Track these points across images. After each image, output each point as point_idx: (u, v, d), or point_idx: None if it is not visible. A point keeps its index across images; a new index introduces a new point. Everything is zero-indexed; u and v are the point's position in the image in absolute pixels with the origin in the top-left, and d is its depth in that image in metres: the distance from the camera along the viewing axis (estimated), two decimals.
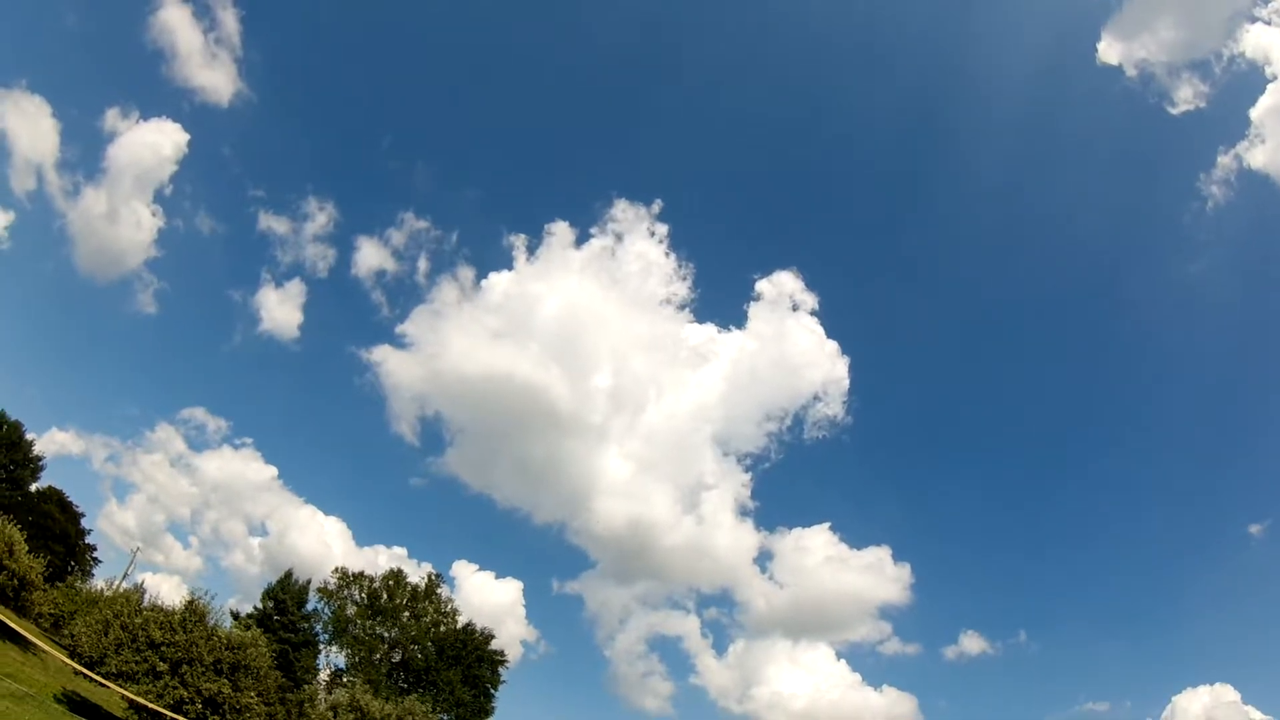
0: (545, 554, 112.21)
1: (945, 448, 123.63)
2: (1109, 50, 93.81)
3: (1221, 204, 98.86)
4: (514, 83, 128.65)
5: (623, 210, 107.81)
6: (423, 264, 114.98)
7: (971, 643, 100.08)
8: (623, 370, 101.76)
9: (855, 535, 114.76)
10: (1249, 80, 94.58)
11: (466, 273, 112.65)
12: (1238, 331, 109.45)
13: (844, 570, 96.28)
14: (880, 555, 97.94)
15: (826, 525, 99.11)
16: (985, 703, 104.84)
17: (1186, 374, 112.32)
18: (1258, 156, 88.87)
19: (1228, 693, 77.81)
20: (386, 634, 58.65)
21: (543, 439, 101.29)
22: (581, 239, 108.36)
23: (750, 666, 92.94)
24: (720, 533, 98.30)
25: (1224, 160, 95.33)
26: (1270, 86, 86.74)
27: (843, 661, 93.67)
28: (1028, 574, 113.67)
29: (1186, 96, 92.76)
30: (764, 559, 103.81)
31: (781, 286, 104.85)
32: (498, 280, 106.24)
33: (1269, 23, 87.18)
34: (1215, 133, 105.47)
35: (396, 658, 59.46)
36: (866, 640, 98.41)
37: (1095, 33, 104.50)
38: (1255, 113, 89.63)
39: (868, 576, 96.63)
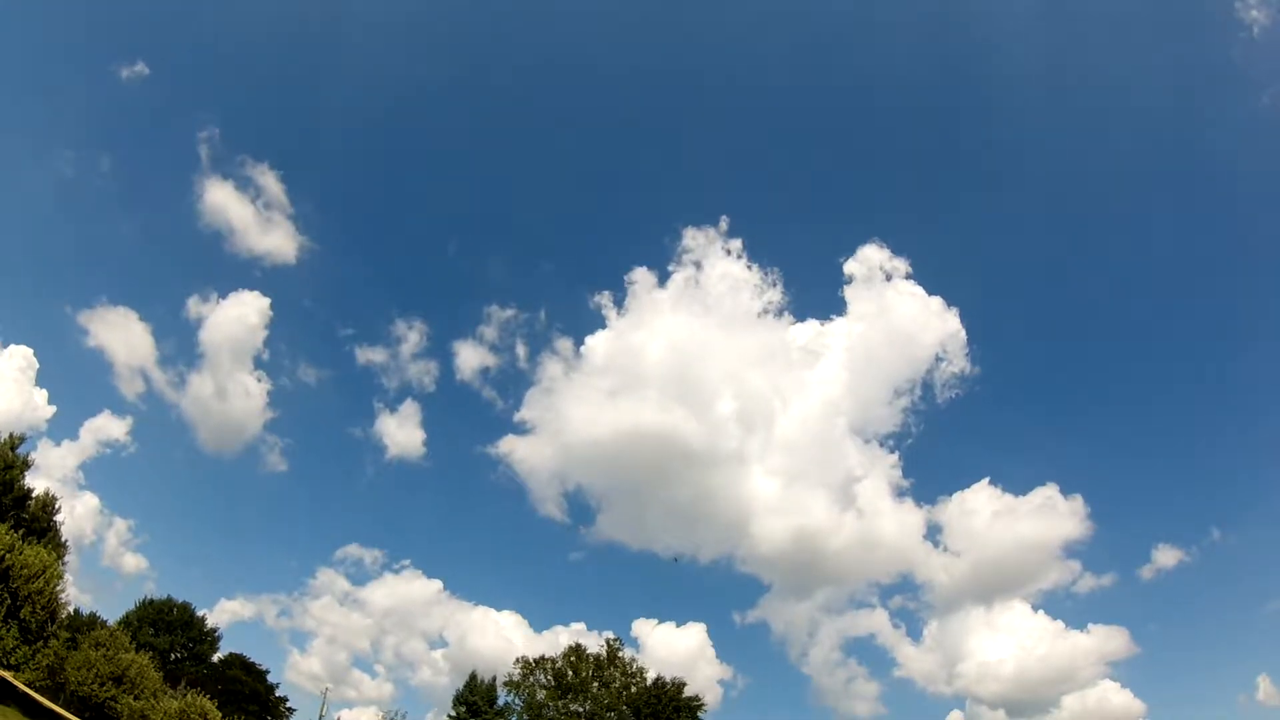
0: (719, 591, 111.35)
1: (1080, 365, 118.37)
2: None
3: (1268, 25, 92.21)
4: (553, 150, 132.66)
5: (693, 238, 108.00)
6: (521, 349, 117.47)
7: (1165, 556, 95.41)
8: (742, 391, 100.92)
9: (1017, 482, 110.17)
10: None
11: (565, 344, 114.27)
12: None
13: (1015, 520, 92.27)
14: (1048, 494, 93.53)
15: (985, 481, 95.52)
16: (1195, 610, 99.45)
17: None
18: None
19: None
20: (580, 709, 58.22)
21: (685, 480, 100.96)
22: (663, 278, 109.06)
23: (949, 644, 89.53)
24: (883, 520, 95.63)
25: None
26: None
27: (1041, 613, 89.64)
28: (1202, 468, 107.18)
29: None
30: (933, 533, 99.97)
31: (869, 261, 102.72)
32: (596, 342, 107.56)
33: None
34: None
35: None
36: (1059, 585, 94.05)
37: None
38: None
39: (1041, 519, 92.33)
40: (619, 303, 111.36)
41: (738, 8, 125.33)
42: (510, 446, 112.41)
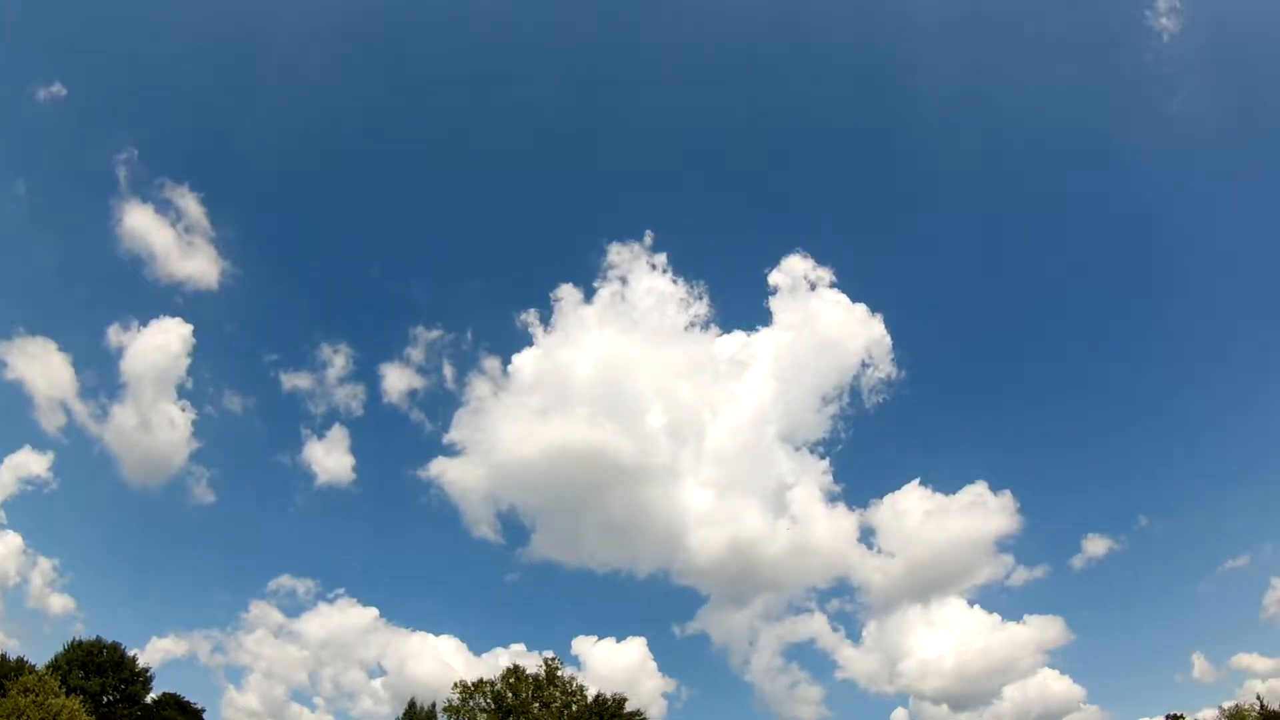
0: (657, 604, 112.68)
1: (1002, 363, 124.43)
2: None
3: (1176, 31, 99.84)
4: (475, 168, 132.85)
5: (618, 253, 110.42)
6: (448, 370, 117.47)
7: (1095, 545, 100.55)
8: (672, 404, 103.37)
9: (946, 481, 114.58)
10: None
11: (492, 363, 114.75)
12: (1240, 148, 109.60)
13: (947, 518, 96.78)
14: (977, 492, 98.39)
15: (916, 482, 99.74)
16: (1126, 594, 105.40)
17: (1209, 206, 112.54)
18: None
19: None
20: None
21: (619, 495, 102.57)
22: (589, 294, 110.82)
23: (889, 644, 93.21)
24: (816, 526, 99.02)
25: None
26: None
27: (977, 607, 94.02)
28: (1127, 459, 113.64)
29: None
30: (867, 535, 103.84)
31: (794, 271, 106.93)
32: (523, 361, 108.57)
33: None
34: None
35: None
36: (993, 579, 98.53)
37: None
38: None
39: (972, 516, 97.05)
40: (545, 320, 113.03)
41: (658, 24, 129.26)
42: (441, 469, 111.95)
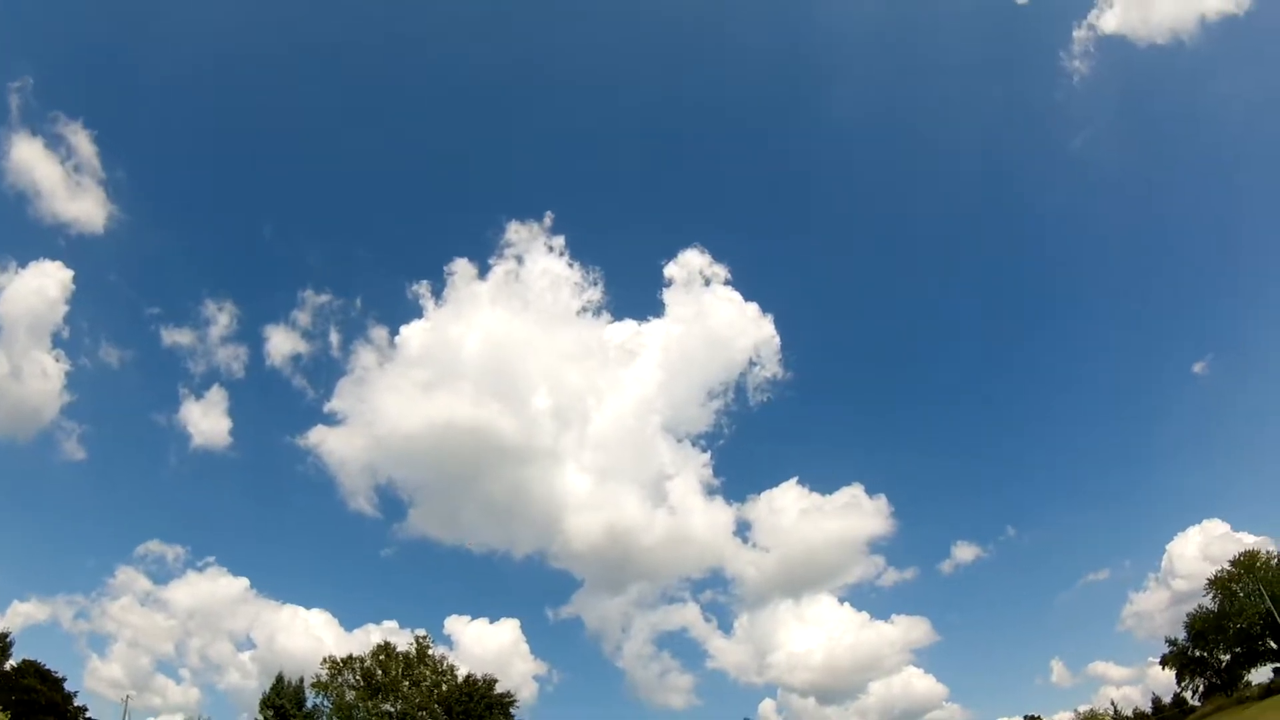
0: (532, 587, 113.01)
1: (885, 372, 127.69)
2: None
3: (1087, 75, 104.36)
4: (377, 136, 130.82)
5: (516, 232, 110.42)
6: (334, 337, 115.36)
7: (964, 552, 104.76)
8: (558, 387, 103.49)
9: (824, 482, 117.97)
10: None
11: (380, 333, 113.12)
12: (1133, 187, 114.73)
13: (822, 518, 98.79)
14: (854, 494, 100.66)
15: (794, 480, 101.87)
16: (992, 601, 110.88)
17: (1093, 243, 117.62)
18: (1110, 21, 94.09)
19: (1218, 526, 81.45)
20: (392, 709, 58.71)
21: (499, 475, 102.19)
22: (484, 270, 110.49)
23: (760, 636, 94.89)
24: (694, 517, 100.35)
25: (1080, 34, 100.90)
26: None
27: (847, 605, 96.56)
28: (998, 472, 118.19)
29: None
30: (743, 530, 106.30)
31: (690, 265, 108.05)
32: (411, 333, 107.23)
33: None
34: (1066, 9, 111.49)
35: None
36: (864, 578, 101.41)
37: None
38: None
39: (847, 517, 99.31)
40: (437, 293, 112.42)
41: (582, 13, 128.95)
42: (320, 438, 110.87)
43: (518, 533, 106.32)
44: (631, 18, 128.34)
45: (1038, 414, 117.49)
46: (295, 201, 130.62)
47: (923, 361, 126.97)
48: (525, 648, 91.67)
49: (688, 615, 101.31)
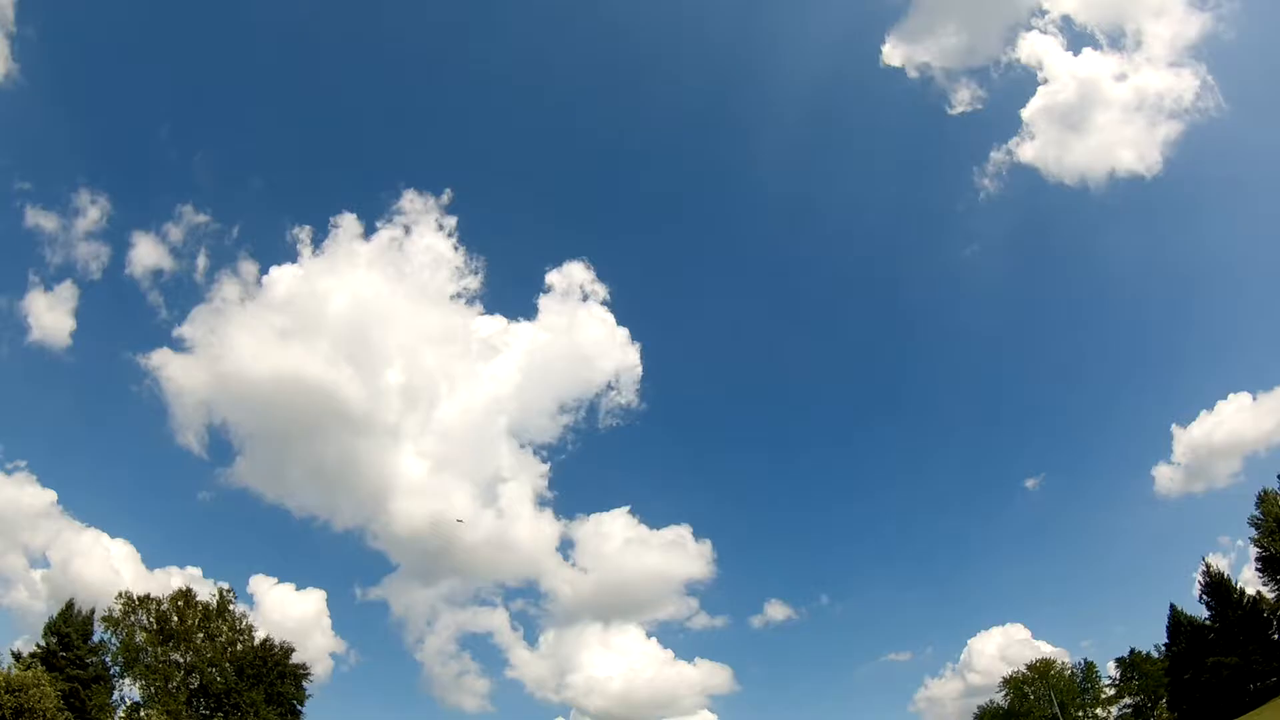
0: (347, 561, 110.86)
1: (736, 427, 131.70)
2: (893, 53, 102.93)
3: (993, 194, 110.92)
4: (298, 69, 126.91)
5: (411, 201, 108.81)
6: (202, 260, 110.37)
7: (776, 610, 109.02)
8: (414, 366, 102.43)
9: (655, 516, 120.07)
10: (1022, 83, 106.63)
11: (249, 268, 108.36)
12: (1007, 306, 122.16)
13: (646, 551, 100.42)
14: (681, 534, 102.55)
15: (626, 509, 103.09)
16: (795, 662, 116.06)
17: (960, 347, 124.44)
18: (1027, 151, 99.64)
19: (1019, 631, 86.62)
20: (181, 659, 57.47)
21: (336, 442, 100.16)
22: (369, 231, 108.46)
23: (563, 654, 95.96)
24: (521, 524, 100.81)
25: (996, 156, 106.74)
26: (1041, 89, 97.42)
27: (653, 640, 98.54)
28: (824, 539, 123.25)
29: (964, 99, 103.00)
30: (566, 547, 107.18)
31: (572, 278, 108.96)
32: (282, 275, 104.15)
33: (1044, 31, 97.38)
34: (990, 131, 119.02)
35: (195, 683, 58.33)
36: (675, 617, 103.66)
37: (881, 36, 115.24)
38: (1026, 113, 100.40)
39: (670, 555, 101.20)
40: (317, 242, 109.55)
41: (532, 8, 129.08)
42: (163, 361, 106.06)
43: (342, 504, 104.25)
44: (586, 31, 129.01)
45: (873, 491, 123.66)
46: (199, 112, 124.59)
47: (774, 423, 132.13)
48: (328, 622, 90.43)
49: (496, 620, 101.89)
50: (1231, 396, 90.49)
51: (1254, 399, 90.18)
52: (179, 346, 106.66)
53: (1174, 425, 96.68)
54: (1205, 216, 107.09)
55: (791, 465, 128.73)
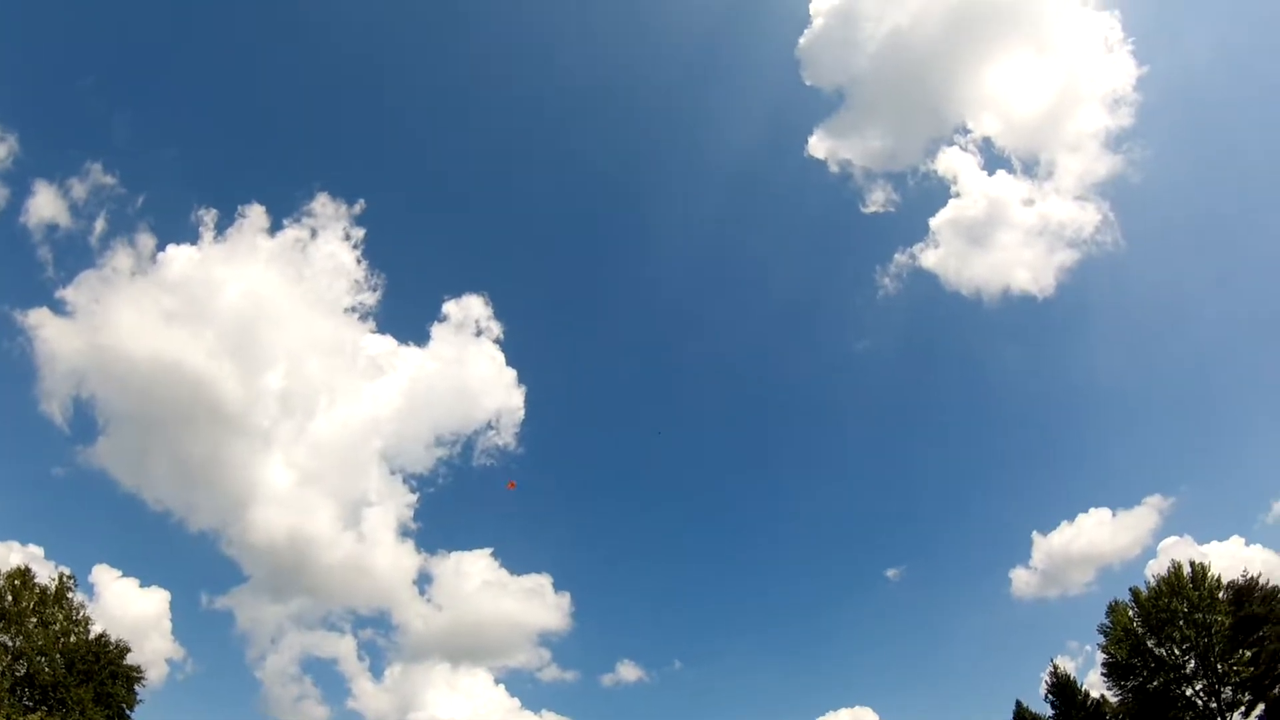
0: (197, 564, 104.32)
1: (610, 487, 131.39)
2: (819, 145, 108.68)
3: (891, 295, 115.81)
4: (238, 50, 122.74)
5: (323, 205, 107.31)
6: (100, 224, 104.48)
7: (628, 671, 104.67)
8: (296, 373, 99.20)
9: (517, 562, 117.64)
10: (936, 194, 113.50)
11: (146, 241, 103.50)
12: (893, 402, 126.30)
13: (504, 596, 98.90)
14: (541, 583, 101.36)
15: (488, 551, 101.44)
16: None
17: (841, 433, 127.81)
18: (930, 258, 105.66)
19: (867, 714, 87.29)
20: (10, 643, 54.59)
21: (205, 438, 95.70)
22: (275, 227, 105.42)
23: (408, 691, 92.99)
24: (380, 552, 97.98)
25: (900, 258, 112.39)
26: (952, 201, 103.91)
27: (501, 687, 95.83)
28: (683, 607, 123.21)
29: (879, 199, 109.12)
30: (423, 581, 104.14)
31: (469, 310, 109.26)
32: (178, 255, 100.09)
33: (964, 149, 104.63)
34: (898, 234, 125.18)
35: (21, 671, 55.29)
36: (526, 666, 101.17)
37: (810, 127, 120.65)
38: (935, 222, 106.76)
39: (528, 603, 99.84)
40: (221, 227, 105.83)
41: (465, 42, 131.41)
42: (40, 321, 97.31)
43: (200, 503, 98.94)
44: (528, 84, 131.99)
45: (737, 561, 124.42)
46: (128, 70, 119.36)
47: (647, 486, 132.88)
48: (168, 625, 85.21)
49: (343, 647, 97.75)
50: (1093, 511, 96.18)
51: (1113, 515, 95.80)
52: (60, 309, 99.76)
53: (1035, 532, 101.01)
54: (1088, 341, 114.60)
55: (659, 529, 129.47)
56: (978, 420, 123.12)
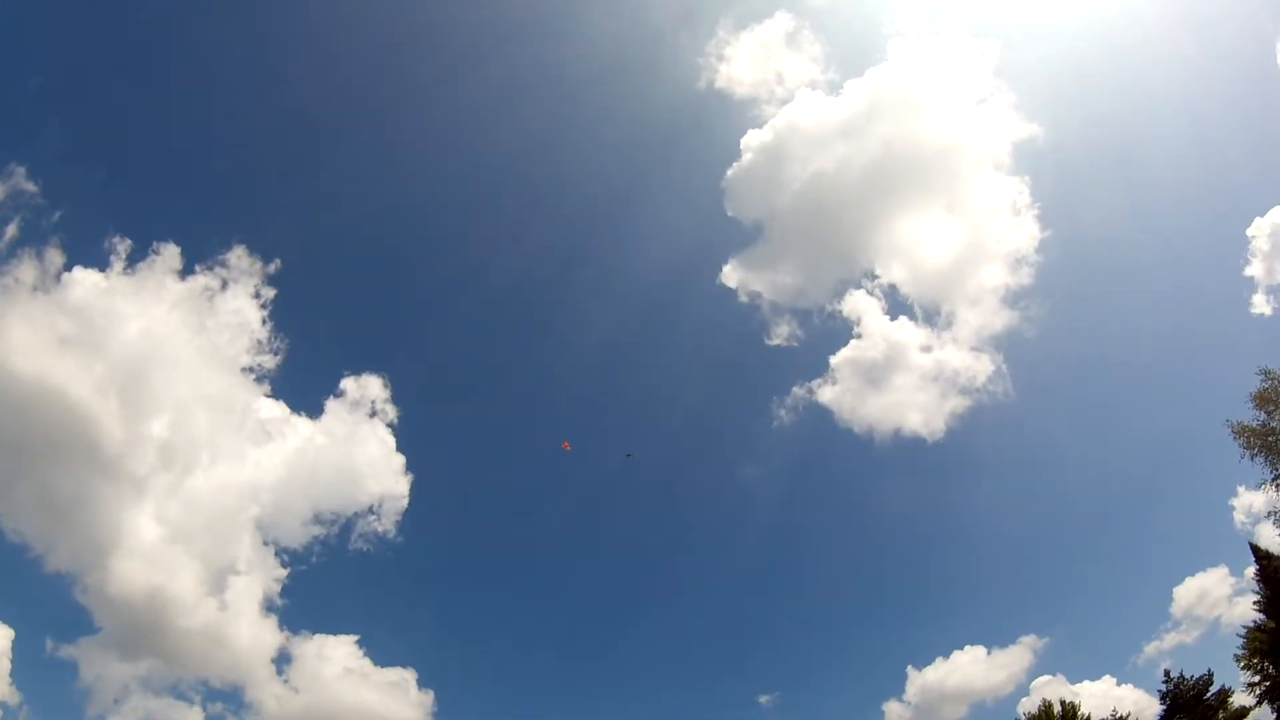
0: (48, 607, 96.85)
1: (485, 590, 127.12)
2: (731, 274, 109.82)
3: (786, 426, 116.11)
4: (182, 81, 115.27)
5: (239, 257, 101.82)
6: (11, 230, 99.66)
7: None
8: (182, 424, 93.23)
9: (382, 654, 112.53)
10: (838, 333, 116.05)
11: (55, 257, 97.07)
12: (776, 530, 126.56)
13: (365, 686, 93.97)
14: (405, 677, 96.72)
15: (354, 638, 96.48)
16: None
17: (723, 558, 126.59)
18: (826, 394, 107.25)
19: None
20: None
21: (77, 475, 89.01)
22: (187, 270, 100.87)
23: None
24: (242, 623, 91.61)
25: (798, 391, 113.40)
26: (853, 342, 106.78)
27: None
28: (541, 692, 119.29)
29: (783, 333, 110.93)
30: (283, 661, 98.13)
31: (367, 389, 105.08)
32: (84, 279, 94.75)
33: (870, 293, 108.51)
34: (798, 369, 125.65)
35: None
36: None
37: (726, 256, 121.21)
38: (835, 359, 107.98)
39: (389, 697, 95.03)
40: (132, 261, 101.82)
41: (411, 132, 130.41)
42: None
43: (61, 543, 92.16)
44: (459, 179, 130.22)
45: (608, 682, 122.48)
46: (78, 77, 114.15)
47: (524, 598, 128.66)
48: (7, 666, 78.66)
49: (190, 718, 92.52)
50: (968, 648, 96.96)
51: (988, 653, 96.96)
52: None
53: (910, 666, 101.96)
54: (973, 485, 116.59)
55: (532, 641, 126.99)
56: (860, 554, 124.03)
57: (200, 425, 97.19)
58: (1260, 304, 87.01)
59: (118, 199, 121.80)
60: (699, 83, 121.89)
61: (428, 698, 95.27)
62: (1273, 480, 33.91)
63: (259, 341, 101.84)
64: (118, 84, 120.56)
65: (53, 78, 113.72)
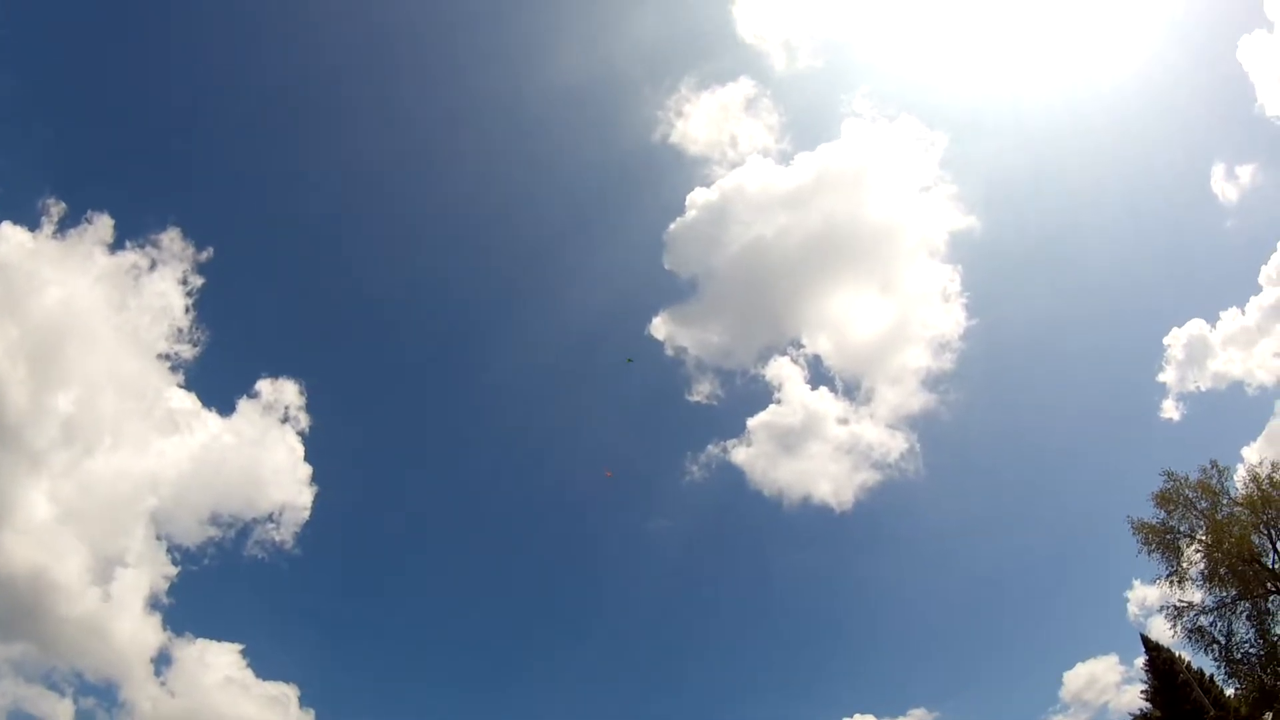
0: None
1: (380, 613, 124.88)
2: (660, 327, 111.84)
3: (697, 482, 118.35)
4: (137, 52, 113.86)
5: (172, 240, 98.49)
6: None
7: None
8: (89, 403, 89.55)
9: (265, 666, 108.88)
10: (758, 397, 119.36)
11: None
12: (675, 584, 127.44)
13: (245, 698, 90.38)
14: (287, 693, 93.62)
15: (238, 647, 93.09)
16: None
17: (618, 610, 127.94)
18: (740, 454, 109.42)
19: None
20: None
21: None
22: (118, 245, 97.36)
23: None
24: (124, 619, 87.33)
25: (712, 449, 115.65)
26: (773, 407, 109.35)
27: None
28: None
29: (704, 391, 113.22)
30: (162, 662, 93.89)
31: (282, 394, 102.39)
32: (12, 235, 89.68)
33: (794, 361, 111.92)
34: (715, 427, 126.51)
35: None
36: None
37: (657, 309, 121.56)
38: (753, 422, 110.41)
39: (269, 712, 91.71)
40: (64, 225, 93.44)
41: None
42: None
43: None
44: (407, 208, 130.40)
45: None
46: (28, 33, 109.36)
47: (418, 627, 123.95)
48: None
49: (60, 710, 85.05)
50: (858, 716, 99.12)
51: None
52: None
53: None
54: (876, 558, 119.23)
55: (417, 671, 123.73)
56: (758, 615, 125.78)
57: (107, 406, 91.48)
58: (1170, 409, 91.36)
59: (58, 159, 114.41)
60: (654, 135, 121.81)
61: (308, 716, 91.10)
62: (1167, 576, 35.34)
63: (179, 330, 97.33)
64: (66, 43, 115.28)
65: (23, 55, 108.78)
